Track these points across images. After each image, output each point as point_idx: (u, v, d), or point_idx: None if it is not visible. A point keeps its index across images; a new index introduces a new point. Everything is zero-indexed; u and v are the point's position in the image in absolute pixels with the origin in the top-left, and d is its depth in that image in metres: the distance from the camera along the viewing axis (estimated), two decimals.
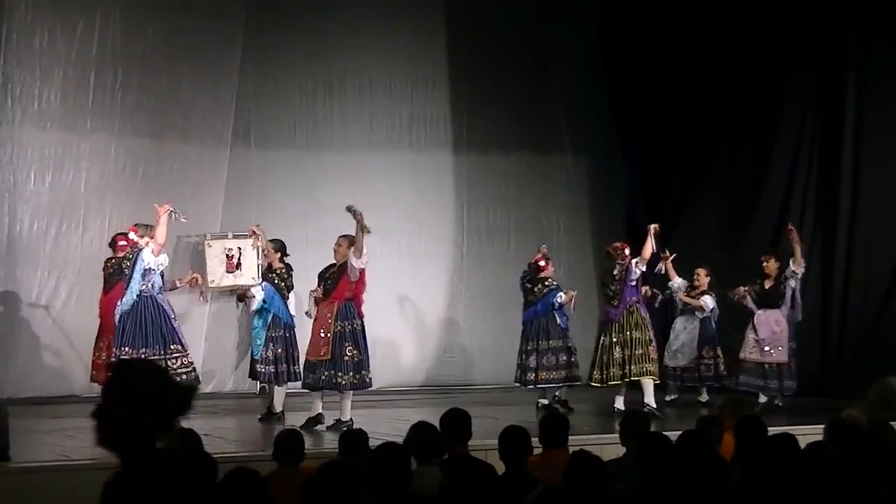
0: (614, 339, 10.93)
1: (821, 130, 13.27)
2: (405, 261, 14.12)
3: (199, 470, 4.51)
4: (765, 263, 11.57)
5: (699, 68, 14.11)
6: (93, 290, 11.72)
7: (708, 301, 12.08)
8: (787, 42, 13.48)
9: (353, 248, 9.67)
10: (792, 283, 11.44)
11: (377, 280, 12.89)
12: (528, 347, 11.47)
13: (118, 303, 9.71)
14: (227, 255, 12.81)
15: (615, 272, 11.05)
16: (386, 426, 9.43)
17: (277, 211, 13.20)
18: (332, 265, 10.02)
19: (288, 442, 5.90)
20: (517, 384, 11.82)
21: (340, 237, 10.02)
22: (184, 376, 9.12)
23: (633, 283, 11.00)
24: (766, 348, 11.36)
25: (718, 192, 14.32)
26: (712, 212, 14.25)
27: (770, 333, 11.36)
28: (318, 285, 10.08)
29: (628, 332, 10.92)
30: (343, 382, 9.67)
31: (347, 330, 9.74)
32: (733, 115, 14.13)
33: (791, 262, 11.39)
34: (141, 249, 9.50)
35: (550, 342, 11.36)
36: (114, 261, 10.42)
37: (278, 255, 10.65)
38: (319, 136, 14.01)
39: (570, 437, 6.06)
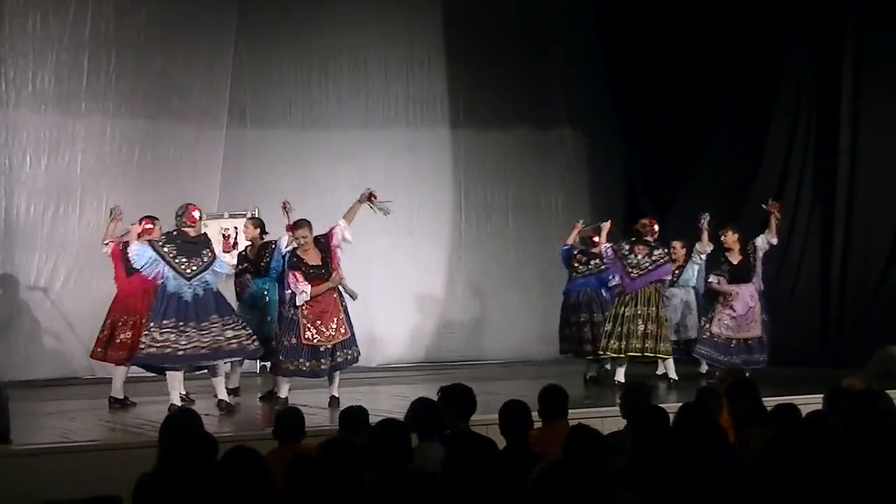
0: (638, 312, 10.65)
1: (818, 105, 13.27)
2: (403, 239, 14.10)
3: (199, 450, 4.51)
4: (723, 238, 11.26)
5: (697, 44, 14.06)
6: (91, 272, 11.70)
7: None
8: (785, 19, 13.44)
9: (346, 219, 9.55)
10: (760, 253, 11.26)
11: (376, 258, 12.91)
12: (581, 319, 11.32)
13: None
14: (224, 235, 12.78)
15: (657, 251, 10.81)
16: (386, 403, 9.45)
17: (274, 190, 13.12)
18: (296, 249, 9.50)
19: (288, 420, 5.85)
20: (567, 355, 11.62)
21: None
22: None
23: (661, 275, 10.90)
24: (743, 324, 11.24)
25: (716, 167, 14.29)
26: (710, 187, 14.20)
27: (747, 309, 11.20)
28: (297, 270, 9.46)
29: (645, 307, 10.68)
30: (357, 356, 9.65)
31: (348, 305, 9.75)
32: (731, 90, 14.09)
33: (766, 234, 11.19)
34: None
35: (605, 314, 11.12)
36: None
37: (258, 231, 10.36)
38: (315, 115, 13.98)
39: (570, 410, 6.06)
